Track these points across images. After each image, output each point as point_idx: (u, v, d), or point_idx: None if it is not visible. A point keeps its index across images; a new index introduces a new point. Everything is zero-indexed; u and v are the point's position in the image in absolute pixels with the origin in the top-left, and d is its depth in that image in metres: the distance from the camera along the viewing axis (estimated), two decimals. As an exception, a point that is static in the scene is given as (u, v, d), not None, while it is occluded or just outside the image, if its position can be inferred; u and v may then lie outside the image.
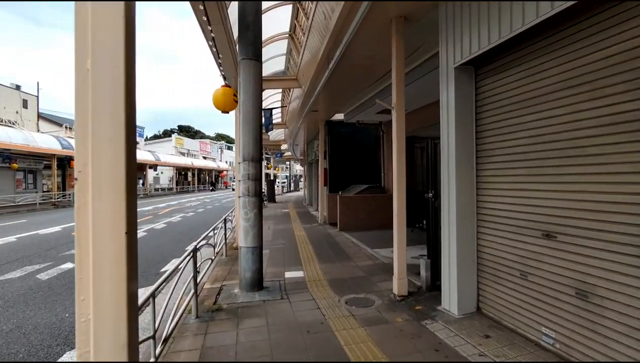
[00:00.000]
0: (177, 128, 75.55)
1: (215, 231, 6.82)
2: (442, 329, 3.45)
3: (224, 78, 6.49)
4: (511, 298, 3.40)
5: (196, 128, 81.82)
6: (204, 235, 5.35)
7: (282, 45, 9.18)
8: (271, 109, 11.23)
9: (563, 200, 2.87)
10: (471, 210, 3.81)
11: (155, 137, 64.95)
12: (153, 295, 2.77)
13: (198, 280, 3.95)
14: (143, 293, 2.88)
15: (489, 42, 3.26)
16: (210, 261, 5.90)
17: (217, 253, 6.58)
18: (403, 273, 4.31)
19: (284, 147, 27.53)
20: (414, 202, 10.09)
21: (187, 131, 74.33)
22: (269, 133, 13.36)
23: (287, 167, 51.51)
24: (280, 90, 12.27)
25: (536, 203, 3.12)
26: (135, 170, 1.35)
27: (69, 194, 22.83)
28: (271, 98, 12.89)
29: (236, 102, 5.25)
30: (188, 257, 3.72)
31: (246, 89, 4.51)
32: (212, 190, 44.32)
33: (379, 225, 9.94)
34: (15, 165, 19.38)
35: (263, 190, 21.02)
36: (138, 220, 12.93)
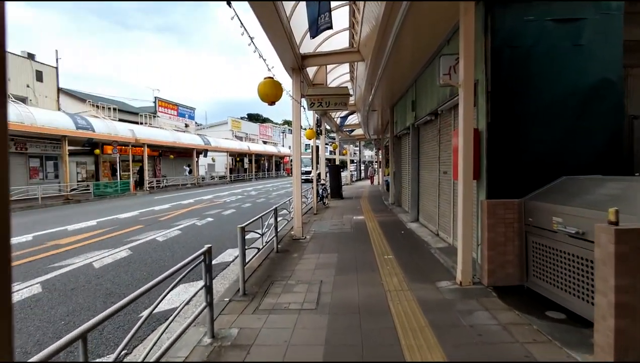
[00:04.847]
0: (246, 116, 72.70)
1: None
2: None
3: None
4: None
5: (265, 116, 78.68)
6: None
7: None
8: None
9: None
10: None
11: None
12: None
13: None
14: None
15: None
16: None
17: None
18: None
19: (353, 120, 20.26)
20: None
21: (255, 119, 71.06)
22: (319, 37, 6.36)
23: (355, 152, 44.15)
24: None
25: None
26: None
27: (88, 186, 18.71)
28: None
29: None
30: None
31: None
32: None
33: None
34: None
35: (323, 181, 14.16)
36: (121, 232, 7.70)
